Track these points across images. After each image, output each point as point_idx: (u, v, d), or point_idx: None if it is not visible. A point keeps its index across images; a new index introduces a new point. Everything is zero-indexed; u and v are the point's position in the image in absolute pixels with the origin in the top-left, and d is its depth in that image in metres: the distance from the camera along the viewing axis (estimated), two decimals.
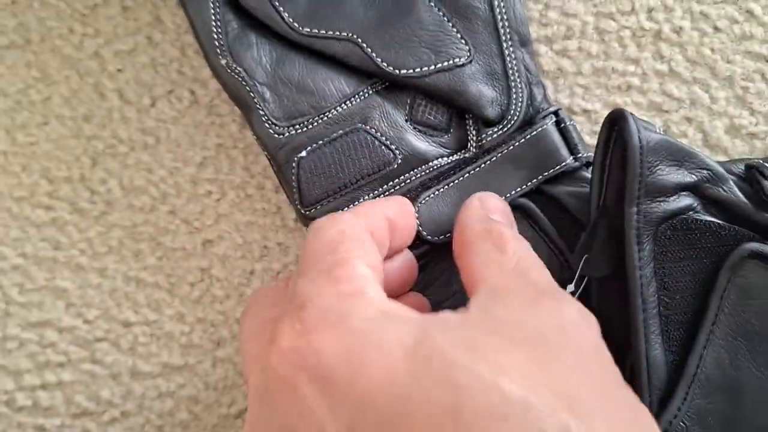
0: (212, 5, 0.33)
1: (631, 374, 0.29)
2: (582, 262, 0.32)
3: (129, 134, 0.38)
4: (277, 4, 0.33)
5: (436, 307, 0.32)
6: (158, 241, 0.38)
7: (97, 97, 0.38)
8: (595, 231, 0.32)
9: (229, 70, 0.33)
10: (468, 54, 0.34)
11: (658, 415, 0.29)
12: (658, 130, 0.31)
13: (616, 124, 0.31)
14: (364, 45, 0.33)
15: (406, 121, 0.34)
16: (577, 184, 0.34)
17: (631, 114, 0.30)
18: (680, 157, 0.30)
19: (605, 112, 0.37)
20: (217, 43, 0.33)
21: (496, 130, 0.34)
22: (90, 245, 0.38)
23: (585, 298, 0.32)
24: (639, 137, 0.30)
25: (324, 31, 0.33)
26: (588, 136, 0.37)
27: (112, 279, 0.38)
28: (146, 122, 0.38)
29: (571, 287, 0.32)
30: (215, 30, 0.33)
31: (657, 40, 0.37)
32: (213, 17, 0.33)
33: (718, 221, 0.30)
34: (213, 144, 0.38)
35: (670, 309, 0.30)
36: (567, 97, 0.38)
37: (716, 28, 0.37)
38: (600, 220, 0.31)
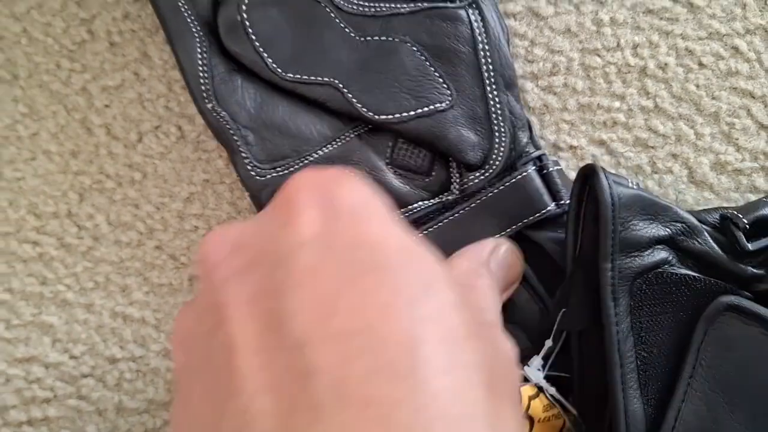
0: (200, 49, 0.33)
1: (610, 428, 0.29)
2: (560, 316, 0.32)
3: (116, 170, 0.38)
4: (261, 49, 0.33)
5: None
6: (145, 277, 0.38)
7: (85, 132, 0.38)
8: (572, 284, 0.32)
9: (214, 114, 0.33)
10: (450, 99, 0.34)
11: None
12: (631, 185, 0.31)
13: (588, 179, 0.31)
14: (345, 90, 0.33)
15: (387, 164, 0.34)
16: (560, 229, 0.34)
17: (603, 169, 0.31)
18: (654, 211, 0.30)
19: (591, 148, 0.38)
20: (203, 87, 0.33)
21: (478, 174, 0.34)
22: (77, 280, 0.38)
23: (564, 352, 0.32)
24: (610, 193, 0.30)
25: (306, 77, 0.33)
26: (573, 171, 0.37)
27: (99, 314, 0.38)
28: (133, 158, 0.38)
29: (549, 342, 0.32)
30: (202, 74, 0.33)
31: (642, 76, 0.38)
32: (200, 61, 0.33)
33: (694, 274, 0.30)
34: (199, 179, 0.38)
35: (647, 363, 0.30)
36: (553, 133, 0.38)
37: (701, 64, 0.38)
38: (576, 273, 0.32)
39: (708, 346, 0.29)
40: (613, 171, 0.38)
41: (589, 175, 0.31)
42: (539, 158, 0.34)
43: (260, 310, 0.19)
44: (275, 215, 0.22)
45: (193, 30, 0.33)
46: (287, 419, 0.18)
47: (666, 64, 0.38)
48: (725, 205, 0.37)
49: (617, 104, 0.38)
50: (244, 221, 0.23)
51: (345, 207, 0.21)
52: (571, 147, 0.38)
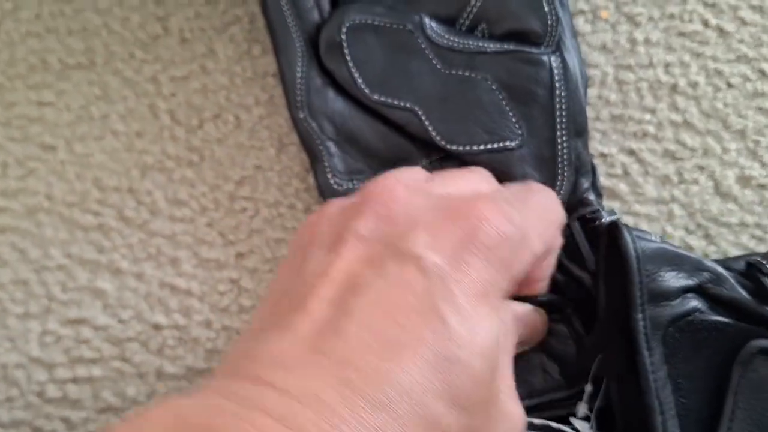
0: (300, 62, 0.36)
1: None
2: (596, 363, 0.33)
3: (177, 151, 0.41)
4: (353, 69, 0.36)
5: None
6: (194, 251, 0.41)
7: (151, 116, 0.42)
8: (607, 333, 0.33)
9: (305, 123, 0.36)
10: (520, 138, 0.35)
11: None
12: (654, 238, 0.32)
13: (612, 235, 0.33)
14: (424, 117, 0.35)
15: None
16: None
17: (626, 225, 0.32)
18: (678, 262, 0.32)
19: (621, 157, 0.40)
20: (299, 97, 0.36)
21: None
22: (131, 251, 0.41)
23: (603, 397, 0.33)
24: (634, 247, 0.31)
25: (390, 100, 0.36)
26: (603, 177, 0.39)
27: (148, 283, 0.41)
28: (193, 141, 0.41)
29: (588, 387, 0.33)
30: (299, 84, 0.36)
31: (673, 92, 0.40)
32: (299, 72, 0.36)
33: (724, 320, 0.31)
34: (251, 165, 0.41)
35: (687, 409, 0.30)
36: None
37: (729, 85, 0.40)
38: (610, 322, 0.33)
39: (744, 389, 0.30)
40: (641, 180, 0.40)
41: (612, 231, 0.32)
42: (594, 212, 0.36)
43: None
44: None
45: (297, 44, 0.37)
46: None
47: (696, 83, 0.40)
48: (748, 217, 0.39)
49: (648, 117, 0.40)
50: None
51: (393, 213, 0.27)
52: (602, 154, 0.40)
